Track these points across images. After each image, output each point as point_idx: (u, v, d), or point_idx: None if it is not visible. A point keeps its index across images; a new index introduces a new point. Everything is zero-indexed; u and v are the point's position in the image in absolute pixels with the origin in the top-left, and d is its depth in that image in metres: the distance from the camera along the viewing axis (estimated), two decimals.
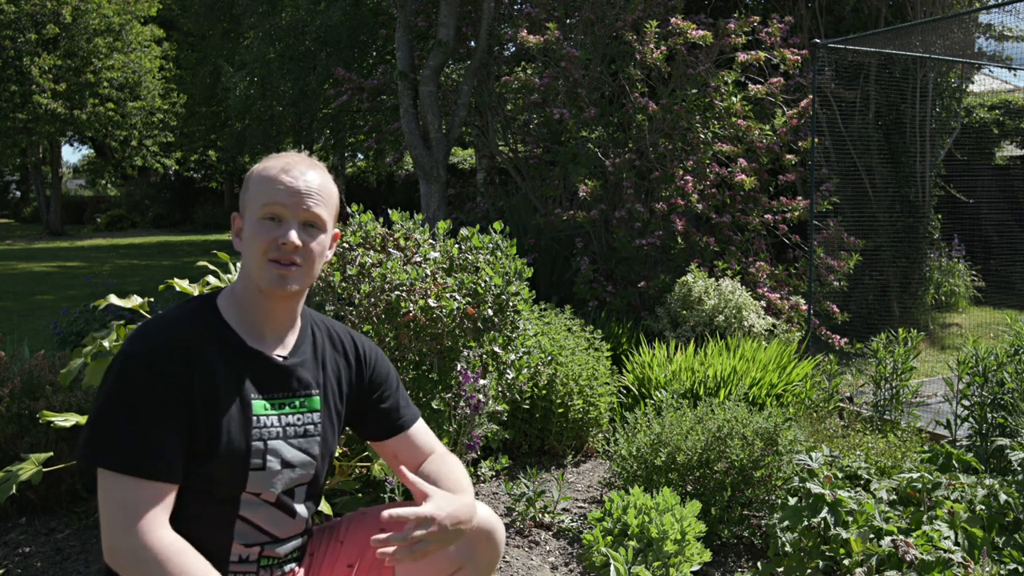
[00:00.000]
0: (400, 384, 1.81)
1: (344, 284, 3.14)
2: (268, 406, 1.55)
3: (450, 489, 1.64)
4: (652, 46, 6.12)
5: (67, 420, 2.31)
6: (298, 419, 1.59)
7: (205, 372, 1.46)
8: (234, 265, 2.91)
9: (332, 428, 1.66)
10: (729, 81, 6.45)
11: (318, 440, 1.62)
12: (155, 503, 1.37)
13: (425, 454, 1.77)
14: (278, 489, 1.56)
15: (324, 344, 1.68)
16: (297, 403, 1.59)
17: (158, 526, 1.36)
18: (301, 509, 1.62)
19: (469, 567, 1.71)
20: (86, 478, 3.06)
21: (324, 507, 2.38)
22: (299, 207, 1.52)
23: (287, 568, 1.63)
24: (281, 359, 1.58)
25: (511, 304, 3.24)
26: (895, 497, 2.71)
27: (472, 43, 8.10)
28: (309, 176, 1.55)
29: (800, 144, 6.64)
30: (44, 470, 2.28)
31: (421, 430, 1.79)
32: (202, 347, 1.48)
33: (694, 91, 6.28)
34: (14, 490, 2.15)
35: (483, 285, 3.13)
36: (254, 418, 1.52)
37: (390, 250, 3.28)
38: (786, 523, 2.47)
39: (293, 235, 1.50)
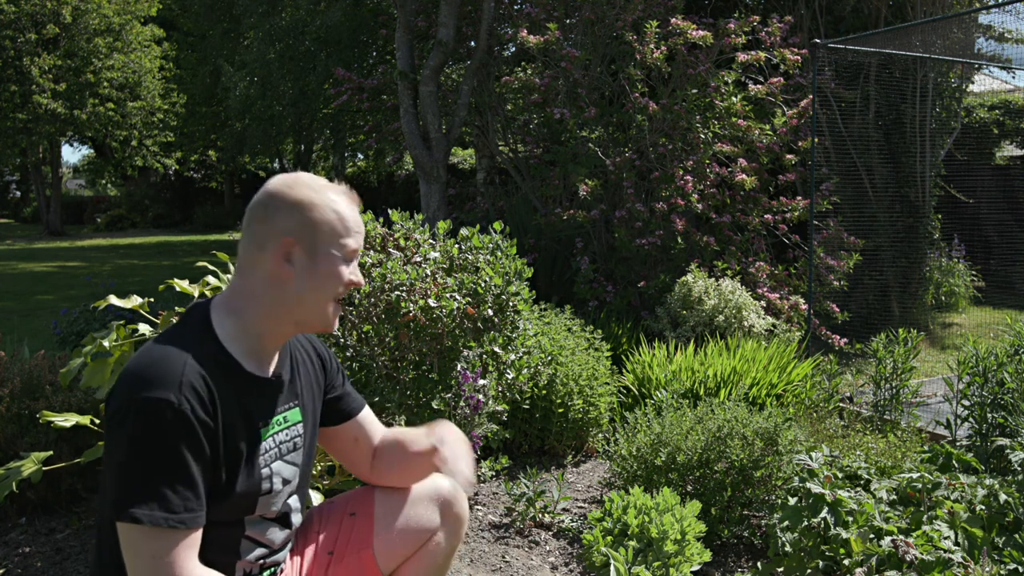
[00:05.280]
0: (344, 372, 1.86)
1: None
2: (266, 432, 1.53)
3: (412, 438, 1.78)
4: (652, 46, 6.12)
5: (67, 420, 2.31)
6: (286, 434, 1.58)
7: (224, 411, 1.40)
8: (234, 265, 2.90)
9: (312, 433, 1.68)
10: (729, 81, 6.46)
11: (303, 450, 1.64)
12: (188, 548, 1.34)
13: (379, 430, 1.83)
14: (278, 506, 1.58)
15: (296, 352, 1.68)
16: (283, 419, 1.58)
17: (192, 568, 1.34)
18: (296, 519, 1.66)
19: (439, 535, 1.80)
20: (86, 478, 3.06)
21: None
22: (361, 248, 1.56)
23: (279, 569, 1.66)
24: (276, 379, 1.56)
25: (511, 304, 3.25)
26: (895, 497, 2.71)
27: (472, 43, 8.10)
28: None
29: (800, 144, 6.64)
30: (44, 469, 2.28)
31: (370, 413, 1.86)
32: (217, 380, 1.41)
33: (694, 91, 6.28)
34: (14, 487, 2.15)
35: (483, 285, 3.13)
36: (261, 445, 1.51)
37: (390, 250, 3.28)
38: (786, 523, 2.47)
39: (360, 275, 1.55)
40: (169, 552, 1.31)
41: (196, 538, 1.36)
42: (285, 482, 1.57)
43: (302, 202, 1.47)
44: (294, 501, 1.64)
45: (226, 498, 1.43)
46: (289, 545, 1.67)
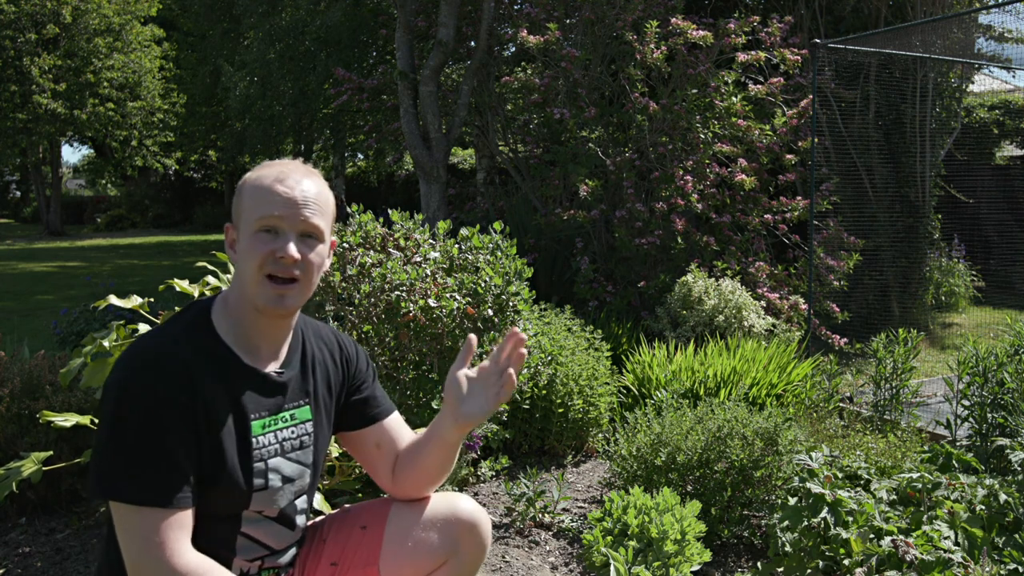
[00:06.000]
0: (377, 377, 1.80)
1: (344, 284, 3.14)
2: (265, 424, 1.52)
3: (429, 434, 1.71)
4: (652, 46, 6.12)
5: (67, 420, 2.31)
6: (292, 432, 1.57)
7: (207, 396, 1.41)
8: (234, 266, 2.90)
9: (324, 433, 1.66)
10: (729, 81, 6.46)
11: (312, 449, 1.61)
12: (177, 529, 1.35)
13: (406, 438, 1.77)
14: (280, 505, 1.56)
15: (312, 349, 1.65)
16: (289, 416, 1.57)
17: (184, 551, 1.35)
18: (300, 520, 1.63)
19: (453, 562, 1.69)
20: (86, 478, 3.06)
21: (324, 507, 2.38)
22: (296, 218, 1.46)
23: (283, 574, 1.63)
24: (277, 375, 1.55)
25: (511, 304, 3.25)
26: (895, 497, 2.71)
27: (472, 43, 8.10)
28: (305, 185, 1.49)
29: (800, 144, 6.64)
30: (44, 469, 2.28)
31: (400, 420, 1.80)
32: (201, 369, 1.42)
33: (694, 91, 6.29)
34: (14, 487, 2.15)
35: (483, 285, 3.13)
36: (254, 439, 1.49)
37: (390, 250, 3.28)
38: (786, 523, 2.46)
39: (292, 248, 1.45)
40: (158, 531, 1.33)
41: (185, 519, 1.37)
42: (286, 480, 1.55)
43: (238, 188, 1.54)
44: (301, 502, 1.61)
45: (213, 485, 1.42)
46: (293, 549, 1.65)
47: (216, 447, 1.43)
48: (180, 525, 1.36)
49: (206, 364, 1.44)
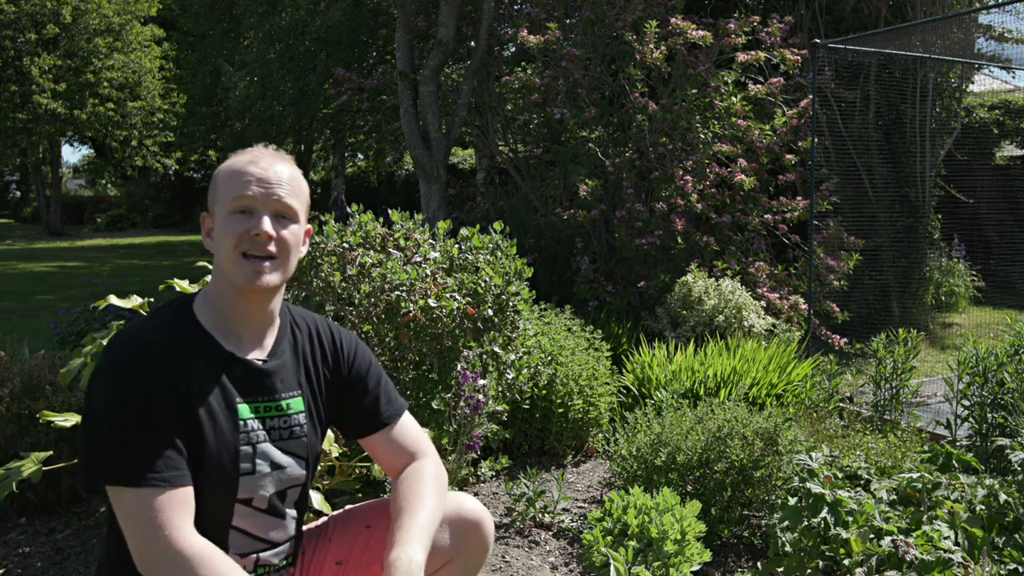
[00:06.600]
0: (384, 379, 1.76)
1: (344, 284, 3.14)
2: (252, 410, 1.52)
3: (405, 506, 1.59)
4: (652, 46, 6.12)
5: (67, 420, 2.31)
6: (284, 422, 1.57)
7: (190, 382, 1.43)
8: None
9: (315, 428, 1.65)
10: (729, 81, 6.46)
11: (304, 441, 1.61)
12: (179, 507, 1.36)
13: (406, 457, 1.72)
14: (268, 492, 1.55)
15: (303, 341, 1.65)
16: (284, 405, 1.57)
17: (188, 533, 1.35)
18: (291, 512, 1.62)
19: (458, 560, 1.69)
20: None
21: (324, 507, 2.38)
22: (270, 197, 1.49)
23: (283, 572, 1.63)
24: (261, 363, 1.55)
25: (511, 304, 3.25)
26: (895, 497, 2.71)
27: (472, 43, 8.10)
28: (278, 167, 1.52)
29: (800, 144, 6.64)
30: (44, 469, 2.28)
31: (405, 428, 1.74)
32: (181, 353, 1.44)
33: (694, 91, 6.29)
34: (14, 487, 2.15)
35: (483, 285, 3.13)
36: (240, 422, 1.50)
37: (390, 250, 3.28)
38: (786, 523, 2.47)
39: (266, 223, 1.47)
40: (160, 511, 1.34)
41: (185, 497, 1.37)
42: (275, 466, 1.54)
43: (213, 177, 1.56)
44: (292, 494, 1.61)
45: (199, 466, 1.43)
46: (288, 546, 1.63)
47: (199, 428, 1.43)
48: (181, 503, 1.36)
49: (188, 351, 1.46)
